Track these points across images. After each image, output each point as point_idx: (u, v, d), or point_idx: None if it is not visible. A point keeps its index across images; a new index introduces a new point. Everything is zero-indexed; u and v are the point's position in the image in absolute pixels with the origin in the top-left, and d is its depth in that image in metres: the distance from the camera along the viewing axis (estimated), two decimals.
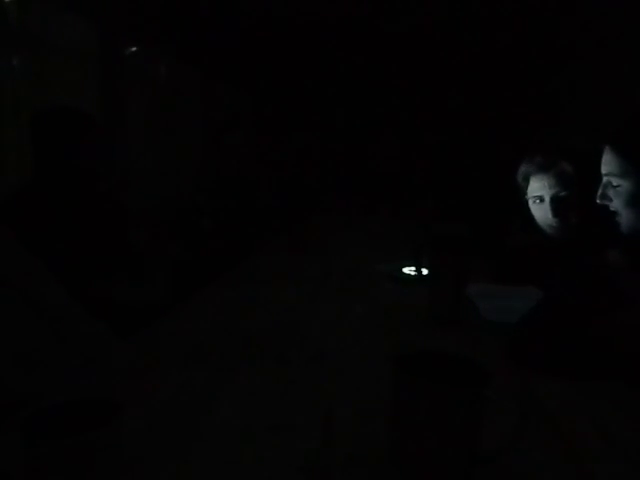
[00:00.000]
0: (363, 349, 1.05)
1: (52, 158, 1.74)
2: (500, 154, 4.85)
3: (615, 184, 1.18)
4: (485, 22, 4.56)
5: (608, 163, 1.19)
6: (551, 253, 1.56)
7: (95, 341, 1.22)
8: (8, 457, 0.60)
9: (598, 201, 1.22)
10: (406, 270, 1.69)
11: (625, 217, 1.18)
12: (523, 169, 1.67)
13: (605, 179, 1.21)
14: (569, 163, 1.58)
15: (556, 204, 1.59)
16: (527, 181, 1.66)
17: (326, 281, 1.63)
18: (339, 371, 0.94)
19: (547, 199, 1.60)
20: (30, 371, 1.01)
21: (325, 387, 0.87)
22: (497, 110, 5.00)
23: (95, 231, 1.83)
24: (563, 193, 1.58)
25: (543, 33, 4.41)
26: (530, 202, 1.66)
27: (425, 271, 1.62)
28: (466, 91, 5.16)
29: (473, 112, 5.15)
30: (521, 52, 4.71)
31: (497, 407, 0.60)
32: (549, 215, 1.60)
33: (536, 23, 4.38)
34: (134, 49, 3.55)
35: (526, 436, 0.61)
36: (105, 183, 1.94)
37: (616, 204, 1.19)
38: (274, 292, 1.48)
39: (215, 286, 1.55)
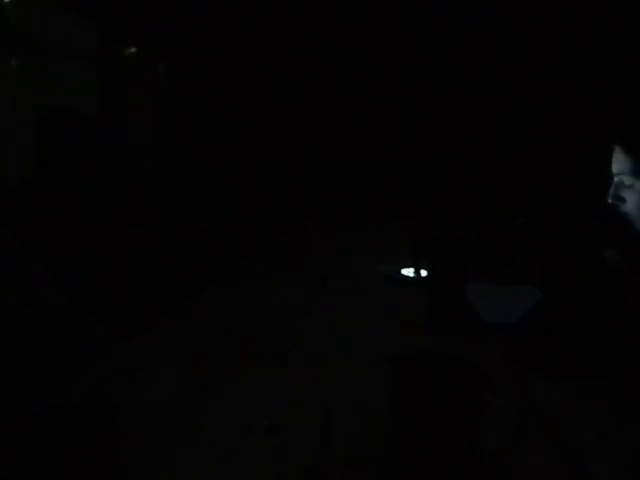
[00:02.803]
0: (362, 349, 1.05)
1: (52, 158, 1.74)
2: (501, 154, 4.85)
3: (628, 183, 1.17)
4: (485, 24, 4.56)
5: (619, 162, 1.19)
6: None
7: (94, 341, 1.23)
8: (7, 457, 0.60)
9: (610, 201, 1.21)
10: (405, 271, 1.69)
11: (639, 217, 1.18)
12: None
13: (617, 179, 1.20)
14: None
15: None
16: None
17: (326, 281, 1.63)
18: (338, 371, 0.94)
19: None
20: (29, 371, 1.01)
21: (324, 387, 0.87)
22: (497, 111, 5.00)
23: (94, 231, 1.83)
24: None
25: (545, 30, 4.41)
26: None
27: (424, 272, 1.62)
28: (466, 91, 5.16)
29: (473, 112, 5.15)
30: (521, 53, 4.71)
31: (496, 408, 0.60)
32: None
33: (538, 23, 4.39)
34: (134, 49, 3.55)
35: (525, 437, 0.61)
36: (105, 184, 1.94)
37: (629, 204, 1.18)
38: (274, 292, 1.48)
39: (215, 286, 1.55)
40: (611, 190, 1.21)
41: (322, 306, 1.36)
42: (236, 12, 4.51)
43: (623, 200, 1.19)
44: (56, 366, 1.07)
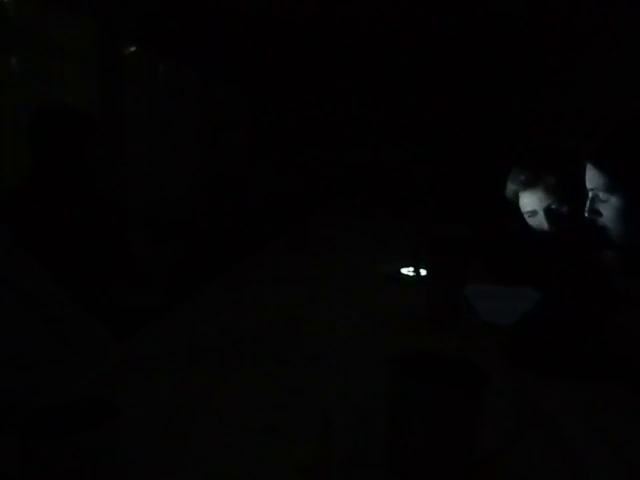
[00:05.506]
0: (361, 349, 1.05)
1: (50, 158, 1.73)
2: (499, 155, 4.85)
3: (603, 199, 1.16)
4: (482, 27, 4.57)
5: (593, 179, 1.18)
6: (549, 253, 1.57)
7: (93, 342, 1.23)
8: (6, 457, 0.60)
9: (587, 215, 1.21)
10: (405, 271, 1.69)
11: (615, 231, 1.17)
12: (511, 186, 1.71)
13: (591, 193, 1.19)
14: (553, 176, 1.62)
15: (550, 216, 1.63)
16: (517, 197, 1.70)
17: (325, 281, 1.63)
18: (337, 371, 0.94)
19: (540, 212, 1.64)
20: (28, 371, 1.01)
21: (323, 387, 0.87)
22: (495, 112, 5.00)
23: (94, 232, 1.82)
24: (555, 205, 1.62)
25: (535, 41, 4.41)
26: (525, 216, 1.70)
27: (423, 272, 1.62)
28: (465, 93, 5.17)
29: (472, 113, 5.15)
30: (518, 58, 4.71)
31: (495, 408, 0.60)
32: (545, 227, 1.65)
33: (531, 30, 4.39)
34: (134, 49, 3.55)
35: (524, 437, 0.61)
36: (104, 184, 1.93)
37: (606, 218, 1.17)
38: (273, 292, 1.48)
39: (214, 286, 1.55)
40: (587, 204, 1.20)
41: (321, 306, 1.36)
42: (236, 11, 4.51)
43: (600, 214, 1.18)
44: (55, 366, 1.07)
